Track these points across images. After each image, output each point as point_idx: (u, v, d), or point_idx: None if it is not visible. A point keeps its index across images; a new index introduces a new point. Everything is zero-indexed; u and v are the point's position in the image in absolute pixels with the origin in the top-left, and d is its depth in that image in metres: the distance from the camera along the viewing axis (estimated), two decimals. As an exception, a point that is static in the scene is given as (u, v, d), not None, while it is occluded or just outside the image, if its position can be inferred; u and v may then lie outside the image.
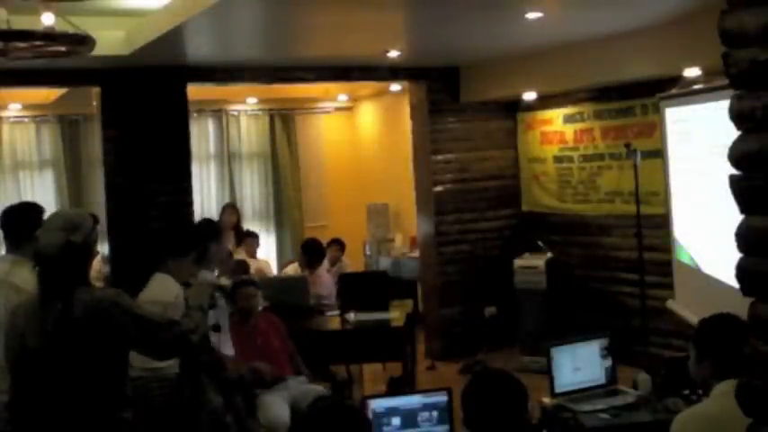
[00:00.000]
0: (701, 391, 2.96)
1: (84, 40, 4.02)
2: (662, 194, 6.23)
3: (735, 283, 1.72)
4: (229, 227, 8.30)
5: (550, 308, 7.16)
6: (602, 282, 7.39)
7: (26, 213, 3.75)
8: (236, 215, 8.51)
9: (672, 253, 5.97)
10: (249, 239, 8.04)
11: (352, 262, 8.48)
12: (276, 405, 4.86)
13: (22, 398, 2.86)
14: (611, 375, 4.28)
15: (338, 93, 10.30)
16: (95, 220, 2.98)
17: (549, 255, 7.42)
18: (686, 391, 3.77)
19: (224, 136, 9.95)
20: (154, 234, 6.48)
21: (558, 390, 4.13)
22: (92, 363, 2.78)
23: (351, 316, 6.07)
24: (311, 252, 6.90)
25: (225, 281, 6.93)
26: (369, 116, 10.60)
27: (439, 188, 7.90)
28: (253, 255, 7.93)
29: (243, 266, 7.25)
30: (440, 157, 7.94)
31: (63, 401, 2.77)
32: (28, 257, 3.19)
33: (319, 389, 5.11)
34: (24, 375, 2.85)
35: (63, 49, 4.02)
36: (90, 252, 2.91)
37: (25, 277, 3.35)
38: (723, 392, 2.50)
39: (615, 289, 7.17)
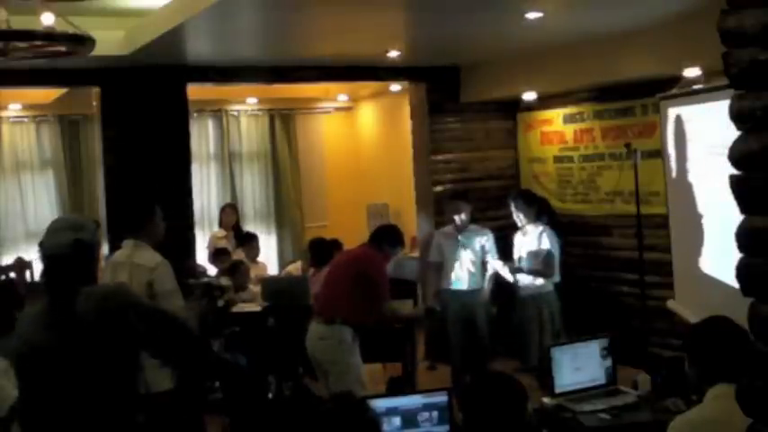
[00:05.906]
0: (694, 397, 2.95)
1: (84, 40, 4.02)
2: (662, 194, 6.23)
3: (735, 283, 1.72)
4: (229, 227, 8.30)
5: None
6: (602, 282, 7.38)
7: (141, 203, 4.44)
8: (235, 215, 8.49)
9: (672, 253, 5.96)
10: (252, 243, 7.96)
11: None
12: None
13: (31, 403, 2.79)
14: (611, 375, 4.28)
15: (338, 93, 10.29)
16: (96, 224, 3.00)
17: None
18: (686, 391, 3.77)
19: (224, 136, 9.94)
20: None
21: (558, 390, 4.12)
22: (102, 363, 2.71)
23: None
24: (319, 251, 6.85)
25: (225, 281, 6.94)
26: (369, 116, 10.59)
27: (439, 188, 7.89)
28: (254, 258, 7.86)
29: (241, 266, 7.24)
30: (440, 157, 7.93)
31: (75, 404, 2.70)
32: (145, 241, 4.22)
33: None
34: (33, 380, 2.79)
35: (63, 49, 4.02)
36: (97, 252, 2.90)
37: (145, 257, 4.16)
38: (716, 396, 2.49)
39: (615, 289, 7.16)
